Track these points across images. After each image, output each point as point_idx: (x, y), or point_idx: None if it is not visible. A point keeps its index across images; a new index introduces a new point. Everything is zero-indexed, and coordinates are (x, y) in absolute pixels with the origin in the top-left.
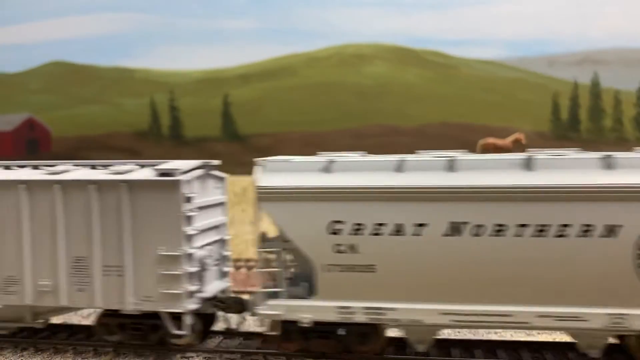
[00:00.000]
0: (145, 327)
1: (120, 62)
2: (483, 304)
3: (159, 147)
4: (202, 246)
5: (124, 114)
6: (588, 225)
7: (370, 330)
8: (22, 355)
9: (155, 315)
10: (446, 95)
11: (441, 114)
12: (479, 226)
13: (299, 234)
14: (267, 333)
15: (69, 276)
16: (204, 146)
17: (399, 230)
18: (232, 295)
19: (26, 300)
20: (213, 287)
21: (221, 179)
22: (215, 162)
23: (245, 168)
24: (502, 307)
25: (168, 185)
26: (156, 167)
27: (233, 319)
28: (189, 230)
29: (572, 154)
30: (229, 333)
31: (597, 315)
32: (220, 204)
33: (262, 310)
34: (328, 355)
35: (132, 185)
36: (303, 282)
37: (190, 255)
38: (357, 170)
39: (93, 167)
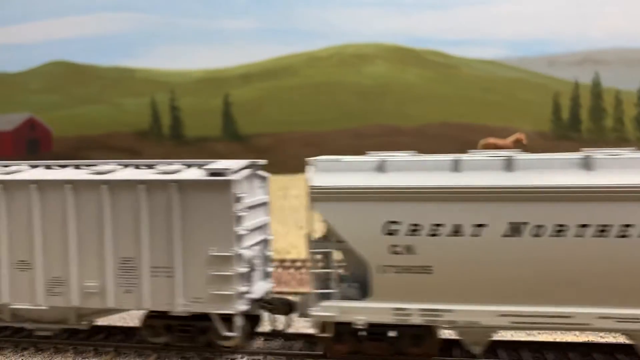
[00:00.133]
0: (193, 329)
1: (120, 62)
2: (543, 306)
3: (160, 147)
4: (250, 246)
5: (124, 114)
6: None
7: (424, 332)
8: (23, 355)
9: (203, 316)
10: (446, 95)
11: (441, 113)
12: (539, 227)
13: (353, 234)
14: (319, 335)
15: (116, 277)
16: (204, 146)
17: (457, 231)
18: (277, 296)
19: (72, 301)
20: (259, 288)
21: (264, 178)
22: (262, 161)
23: None
24: (562, 308)
25: (219, 185)
26: (206, 167)
27: (279, 321)
28: (240, 230)
29: (629, 153)
30: (274, 334)
31: None
32: (264, 203)
33: (315, 311)
34: (328, 355)
35: (183, 185)
36: (354, 283)
37: (240, 256)
38: (412, 169)
39: (137, 166)
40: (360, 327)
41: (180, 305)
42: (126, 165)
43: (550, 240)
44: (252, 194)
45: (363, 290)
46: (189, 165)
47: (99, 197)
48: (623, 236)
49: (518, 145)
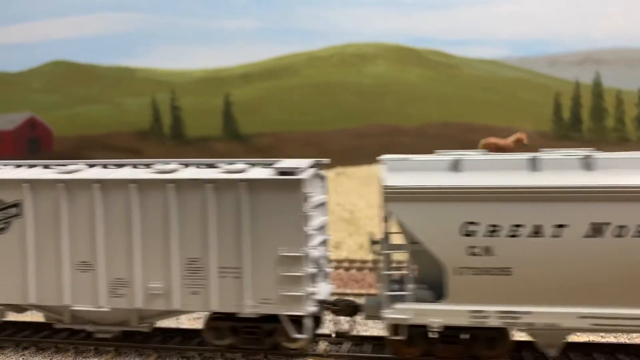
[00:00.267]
0: (260, 331)
1: (121, 62)
2: (625, 307)
3: (160, 147)
4: (316, 246)
5: (125, 114)
6: None
7: (497, 335)
8: (24, 354)
9: (269, 318)
10: (447, 94)
11: (442, 113)
12: (622, 227)
13: (430, 235)
14: (390, 337)
15: (182, 278)
16: (205, 146)
17: (537, 232)
18: (342, 298)
19: (136, 303)
20: (323, 289)
21: (323, 177)
22: (325, 160)
23: None
24: None
25: (290, 185)
26: (274, 166)
27: (336, 322)
28: (309, 230)
29: None
30: (337, 336)
31: None
32: (323, 203)
33: (389, 314)
34: (330, 355)
35: (252, 184)
36: (422, 284)
37: (309, 256)
38: (488, 169)
39: (197, 165)
40: (435, 329)
41: (249, 307)
42: (187, 165)
43: (632, 241)
44: (315, 193)
45: (435, 293)
46: (253, 165)
47: (165, 196)
48: None
49: (519, 145)
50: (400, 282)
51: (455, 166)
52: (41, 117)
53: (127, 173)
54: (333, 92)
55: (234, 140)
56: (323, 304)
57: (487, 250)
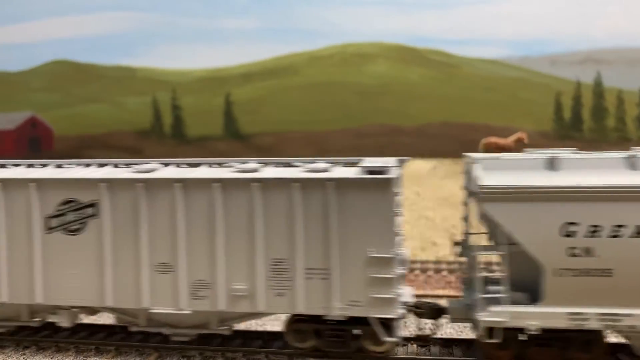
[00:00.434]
0: (346, 334)
1: (121, 61)
2: None
3: (161, 146)
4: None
5: (125, 113)
6: None
7: (593, 337)
8: (24, 354)
9: (354, 320)
10: (448, 94)
11: (443, 113)
12: None
13: (528, 236)
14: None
15: (267, 280)
16: (205, 145)
17: None
18: (425, 300)
19: (219, 305)
20: (405, 291)
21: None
22: (407, 158)
23: None
24: None
25: (379, 184)
26: (361, 165)
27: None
28: (398, 230)
29: None
30: (419, 339)
31: None
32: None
33: (484, 316)
34: (330, 355)
35: (340, 183)
36: (516, 286)
37: (399, 257)
38: (585, 168)
39: (276, 165)
40: (531, 332)
41: (337, 309)
42: (266, 164)
43: None
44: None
45: (531, 295)
46: (334, 164)
47: (250, 196)
48: None
49: (520, 144)
50: (493, 284)
51: (551, 165)
52: (42, 117)
53: (210, 172)
54: (333, 92)
55: (235, 139)
56: (406, 306)
57: (588, 251)
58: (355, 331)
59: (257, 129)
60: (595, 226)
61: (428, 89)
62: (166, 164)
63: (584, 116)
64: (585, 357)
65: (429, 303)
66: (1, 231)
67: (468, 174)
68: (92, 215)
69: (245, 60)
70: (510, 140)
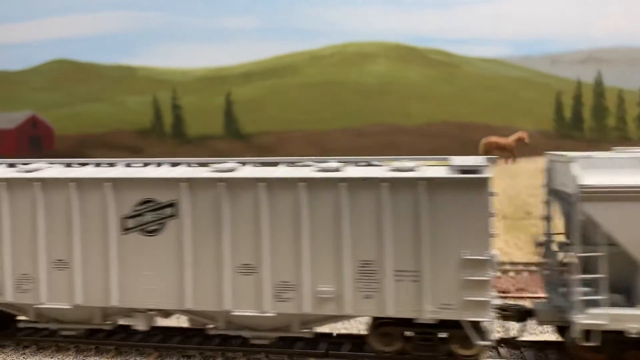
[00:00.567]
0: (436, 337)
1: (122, 60)
2: None
3: (162, 146)
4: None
5: (126, 112)
6: None
7: None
8: (24, 353)
9: (442, 323)
10: (448, 93)
11: (443, 112)
12: None
13: (630, 237)
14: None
15: (354, 282)
16: (206, 144)
17: None
18: (511, 302)
19: (304, 308)
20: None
21: None
22: (494, 157)
23: None
24: None
25: (475, 183)
26: (453, 164)
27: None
28: (493, 231)
29: None
30: (503, 342)
31: None
32: None
33: (582, 319)
34: (331, 355)
35: (432, 183)
36: (610, 288)
37: (493, 259)
38: None
39: (356, 163)
40: (633, 335)
41: (428, 312)
42: (346, 162)
43: None
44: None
45: (628, 297)
46: (413, 161)
47: (336, 196)
48: None
49: (520, 143)
50: (587, 285)
51: None
52: (42, 116)
53: (295, 172)
54: (334, 91)
55: (235, 139)
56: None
57: None
58: (441, 334)
59: (258, 129)
60: None
61: (429, 89)
62: (243, 163)
63: (584, 115)
64: None
65: (515, 305)
66: (75, 232)
67: (551, 172)
68: (171, 216)
69: (246, 59)
70: (510, 139)
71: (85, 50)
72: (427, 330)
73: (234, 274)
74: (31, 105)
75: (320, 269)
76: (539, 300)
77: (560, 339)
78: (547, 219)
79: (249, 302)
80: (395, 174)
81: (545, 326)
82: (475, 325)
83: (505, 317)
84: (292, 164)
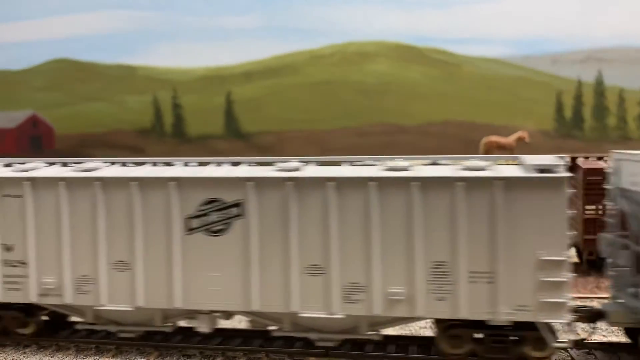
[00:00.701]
0: (508, 340)
1: (122, 60)
2: None
3: (162, 145)
4: None
5: (126, 112)
6: None
7: None
8: (24, 353)
9: (514, 325)
10: (449, 93)
11: (444, 112)
12: None
13: None
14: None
15: (427, 283)
16: (206, 144)
17: None
18: (581, 304)
19: (374, 309)
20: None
21: None
22: (564, 156)
23: None
24: None
25: (553, 183)
26: (529, 163)
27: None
28: (569, 232)
29: None
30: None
31: None
32: None
33: None
34: (331, 354)
35: (509, 183)
36: None
37: (569, 260)
38: None
39: (435, 162)
40: None
41: (503, 314)
42: (412, 161)
43: None
44: None
45: None
46: (486, 160)
47: (408, 195)
48: None
49: (520, 143)
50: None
51: None
52: (43, 115)
53: (365, 171)
54: (334, 91)
55: (236, 138)
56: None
57: None
58: (511, 337)
59: (258, 128)
60: None
61: (429, 88)
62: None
63: (585, 115)
64: None
65: (587, 306)
66: (137, 232)
67: (618, 171)
68: (237, 216)
69: (246, 58)
70: (511, 139)
71: (85, 49)
72: (499, 332)
73: (302, 275)
74: (31, 105)
75: (391, 270)
76: (607, 302)
77: (629, 340)
78: (613, 218)
79: (317, 304)
80: (471, 174)
81: (614, 328)
82: (549, 326)
83: (578, 319)
84: (351, 163)
